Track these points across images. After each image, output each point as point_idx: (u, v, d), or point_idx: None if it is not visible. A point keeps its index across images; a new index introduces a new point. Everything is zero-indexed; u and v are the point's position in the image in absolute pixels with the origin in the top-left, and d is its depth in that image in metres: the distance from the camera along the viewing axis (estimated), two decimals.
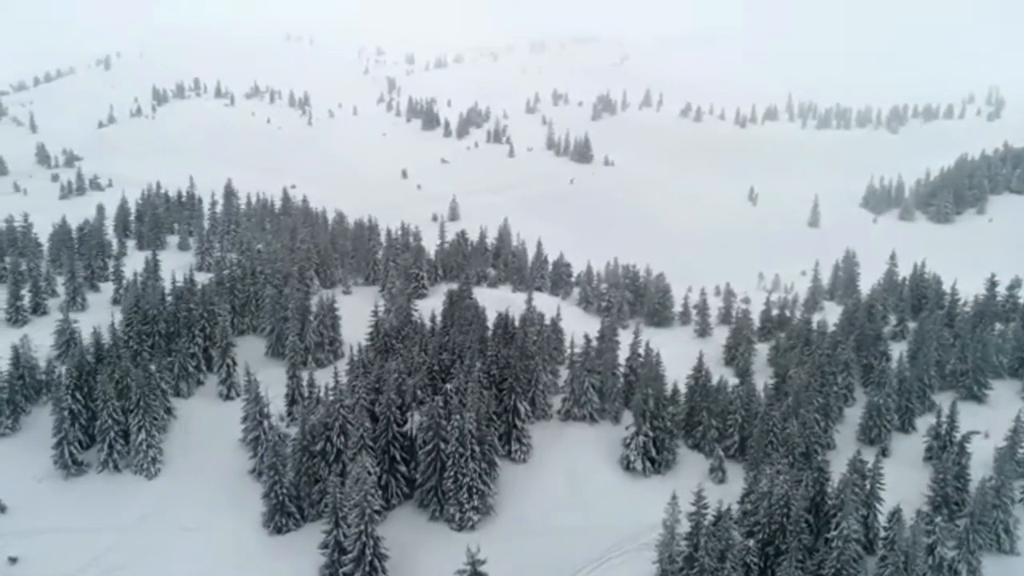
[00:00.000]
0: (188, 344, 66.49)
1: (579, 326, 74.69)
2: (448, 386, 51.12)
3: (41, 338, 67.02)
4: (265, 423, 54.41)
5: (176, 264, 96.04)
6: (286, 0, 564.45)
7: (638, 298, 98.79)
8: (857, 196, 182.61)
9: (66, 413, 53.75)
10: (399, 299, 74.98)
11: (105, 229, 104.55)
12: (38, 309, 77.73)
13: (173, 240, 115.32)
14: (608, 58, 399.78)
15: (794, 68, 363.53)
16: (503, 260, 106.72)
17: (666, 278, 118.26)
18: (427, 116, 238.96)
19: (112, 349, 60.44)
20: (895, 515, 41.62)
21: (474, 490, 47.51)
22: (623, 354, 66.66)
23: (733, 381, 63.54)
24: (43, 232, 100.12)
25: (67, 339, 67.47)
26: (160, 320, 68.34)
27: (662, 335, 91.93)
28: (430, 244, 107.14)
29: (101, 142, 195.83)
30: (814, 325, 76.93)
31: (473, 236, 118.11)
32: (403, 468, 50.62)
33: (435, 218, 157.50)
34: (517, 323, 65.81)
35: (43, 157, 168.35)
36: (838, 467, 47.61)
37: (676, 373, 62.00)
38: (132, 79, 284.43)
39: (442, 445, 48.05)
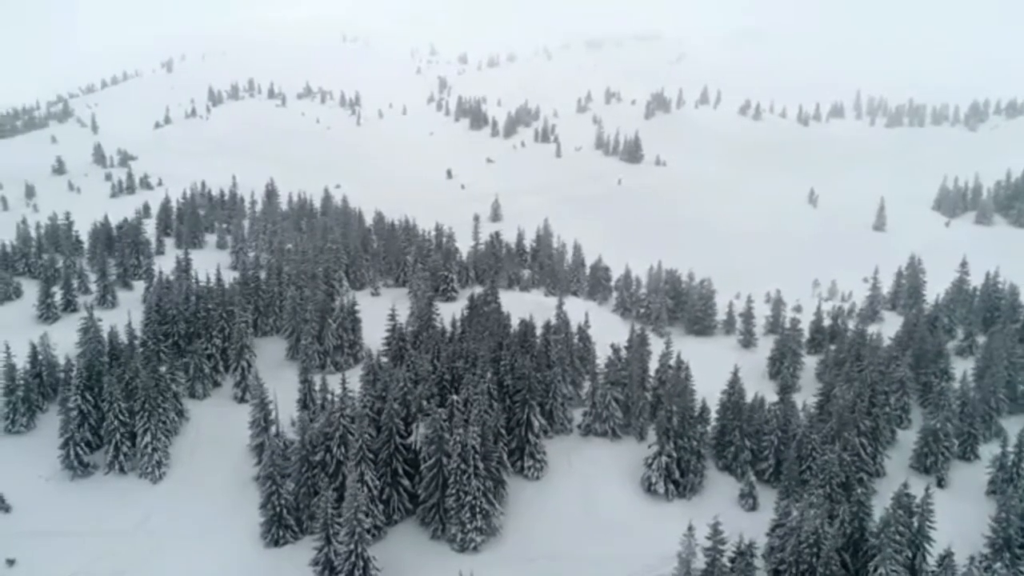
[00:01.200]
0: (206, 345, 66.24)
1: (614, 334, 71.09)
2: (455, 397, 48.63)
3: (70, 336, 68.03)
4: (271, 429, 53.19)
5: (212, 263, 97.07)
6: (345, 2, 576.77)
7: (679, 305, 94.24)
8: (928, 198, 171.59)
9: (74, 413, 53.83)
10: (421, 302, 73.15)
11: (144, 228, 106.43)
12: (68, 306, 79.12)
13: (212, 239, 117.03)
14: (666, 56, 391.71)
15: (863, 63, 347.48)
16: (539, 263, 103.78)
17: (712, 284, 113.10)
18: (475, 115, 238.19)
19: (126, 349, 60.50)
20: (947, 559, 37.09)
21: (477, 510, 44.87)
22: (654, 365, 63.04)
23: (774, 398, 59.06)
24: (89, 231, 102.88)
25: (90, 337, 68.16)
26: (180, 320, 68.48)
27: (703, 345, 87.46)
28: (468, 246, 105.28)
29: (156, 142, 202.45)
30: (869, 337, 71.38)
31: (513, 237, 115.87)
32: (406, 482, 48.46)
33: (476, 219, 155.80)
34: (539, 330, 62.94)
35: (99, 157, 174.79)
36: (886, 498, 43.02)
37: (714, 386, 57.95)
38: (192, 81, 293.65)
39: (444, 460, 45.66)
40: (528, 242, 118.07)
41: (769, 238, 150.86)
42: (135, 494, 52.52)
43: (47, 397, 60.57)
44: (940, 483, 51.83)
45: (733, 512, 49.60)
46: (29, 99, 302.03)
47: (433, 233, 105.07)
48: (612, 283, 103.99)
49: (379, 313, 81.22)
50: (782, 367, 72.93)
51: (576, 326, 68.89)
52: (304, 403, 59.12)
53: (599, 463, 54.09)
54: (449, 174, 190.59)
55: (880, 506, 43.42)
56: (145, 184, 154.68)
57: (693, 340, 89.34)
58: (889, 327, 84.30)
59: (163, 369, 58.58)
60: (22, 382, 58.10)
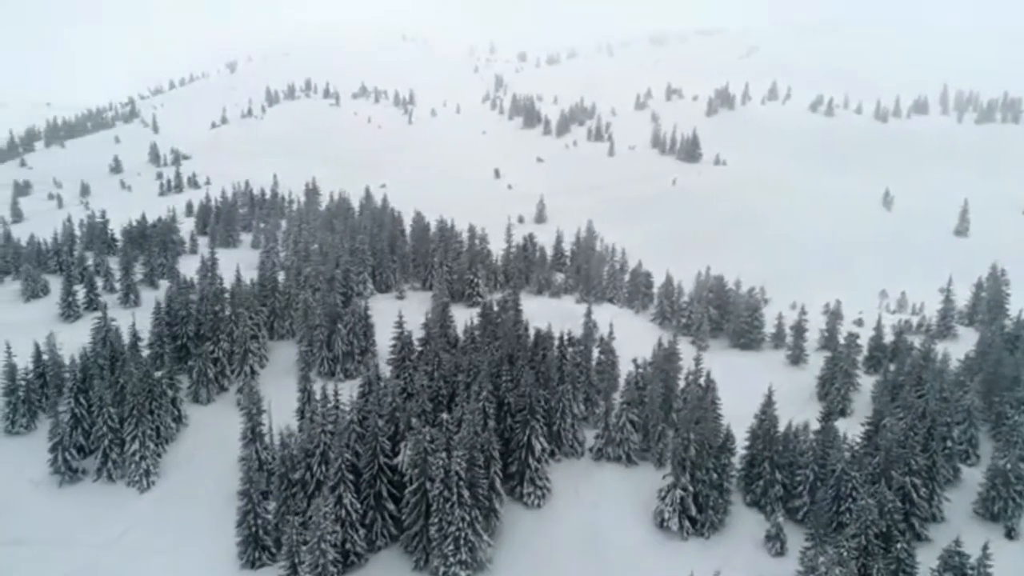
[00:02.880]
0: (212, 348, 64.94)
1: (649, 347, 65.52)
2: (445, 415, 45.00)
3: (86, 336, 68.08)
4: (259, 441, 50.92)
5: (244, 263, 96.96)
6: (409, 3, 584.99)
7: (724, 315, 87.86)
8: (1021, 201, 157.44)
9: (66, 417, 53.08)
10: (436, 307, 69.99)
11: (178, 226, 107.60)
12: (91, 305, 79.74)
13: (248, 239, 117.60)
14: (734, 50, 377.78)
15: (951, 54, 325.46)
16: (576, 266, 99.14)
17: (766, 292, 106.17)
18: (528, 114, 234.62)
19: (127, 351, 59.61)
20: None
21: (462, 541, 41.06)
22: (682, 384, 57.87)
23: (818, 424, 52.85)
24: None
25: (103, 337, 68.02)
26: (189, 322, 67.51)
27: (747, 360, 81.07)
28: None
29: (210, 142, 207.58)
30: (935, 357, 63.87)
31: (554, 239, 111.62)
32: (391, 506, 45.16)
33: (521, 219, 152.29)
34: (560, 341, 58.65)
35: (154, 156, 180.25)
36: (942, 548, 36.91)
37: (751, 408, 52.19)
38: (253, 82, 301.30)
39: (428, 485, 42.07)
40: (568, 244, 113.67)
41: (835, 243, 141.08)
42: (120, 504, 51.20)
43: (51, 398, 60.32)
44: (1009, 534, 44.88)
45: (757, 556, 44.25)
46: (104, 101, 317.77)
47: (466, 234, 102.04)
48: (654, 290, 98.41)
49: (409, 315, 78.80)
50: (832, 388, 66.19)
51: (598, 336, 64.28)
52: (302, 413, 56.80)
53: (609, 492, 49.47)
54: (497, 174, 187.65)
55: (931, 559, 37.41)
56: (193, 183, 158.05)
57: (737, 355, 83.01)
58: (963, 345, 75.94)
59: (158, 374, 57.19)
60: (23, 382, 57.91)
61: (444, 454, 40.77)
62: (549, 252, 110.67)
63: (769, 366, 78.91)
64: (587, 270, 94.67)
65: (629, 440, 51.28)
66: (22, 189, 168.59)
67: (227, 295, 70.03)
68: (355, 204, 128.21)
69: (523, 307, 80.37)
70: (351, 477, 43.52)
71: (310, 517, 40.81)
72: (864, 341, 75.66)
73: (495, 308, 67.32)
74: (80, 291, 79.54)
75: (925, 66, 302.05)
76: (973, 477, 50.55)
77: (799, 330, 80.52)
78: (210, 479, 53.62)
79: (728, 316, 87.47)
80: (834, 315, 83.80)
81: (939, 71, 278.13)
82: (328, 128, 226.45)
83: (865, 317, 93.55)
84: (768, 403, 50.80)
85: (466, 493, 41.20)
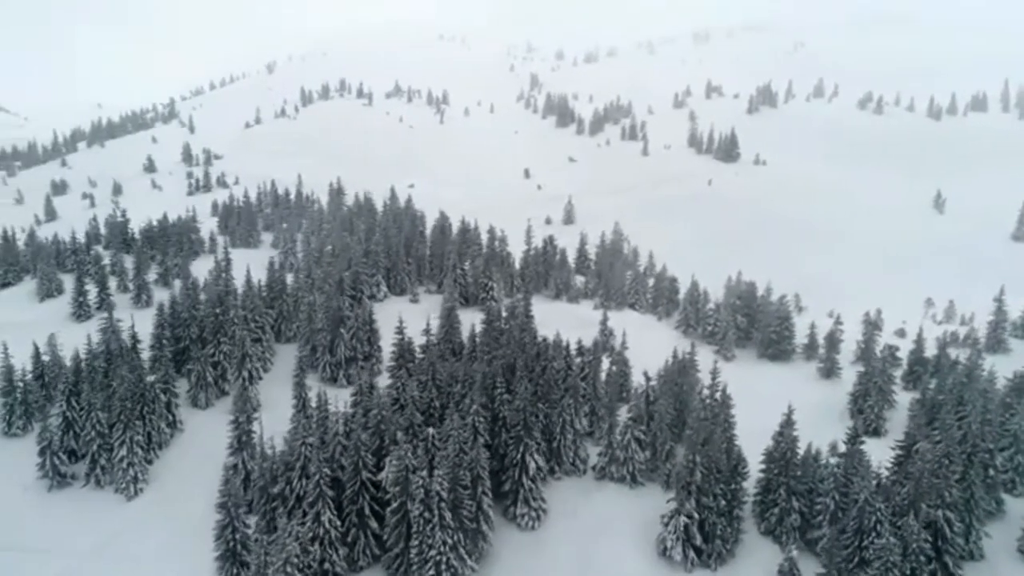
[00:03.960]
0: (214, 351, 63.90)
1: (670, 355, 62.00)
2: (431, 430, 42.62)
3: (94, 337, 67.87)
4: (246, 451, 49.36)
5: (262, 264, 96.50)
6: (449, 3, 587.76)
7: (752, 323, 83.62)
8: None
9: (57, 421, 52.40)
10: (443, 312, 67.73)
11: (198, 226, 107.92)
12: (102, 305, 79.73)
13: (269, 239, 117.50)
14: (780, 46, 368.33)
15: (1014, 49, 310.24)
16: (598, 271, 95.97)
17: (801, 300, 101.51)
18: (561, 112, 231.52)
19: (126, 353, 58.85)
20: None
21: (443, 566, 38.63)
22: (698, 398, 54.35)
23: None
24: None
25: (108, 338, 67.72)
26: (192, 323, 66.63)
27: (777, 372, 77.05)
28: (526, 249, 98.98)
29: (243, 142, 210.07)
30: (983, 373, 58.90)
31: (579, 241, 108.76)
32: (374, 524, 42.94)
33: (548, 221, 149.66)
34: (566, 350, 55.81)
35: (187, 156, 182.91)
36: None
37: (776, 423, 48.34)
38: (290, 82, 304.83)
39: (409, 505, 39.75)
40: (592, 247, 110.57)
41: (880, 249, 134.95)
42: (107, 511, 50.09)
43: (50, 400, 59.94)
44: None
45: None
46: (147, 102, 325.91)
47: (485, 235, 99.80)
48: (680, 296, 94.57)
49: (412, 322, 76.92)
50: (864, 406, 61.75)
51: (610, 345, 61.19)
52: (297, 421, 55.09)
53: (610, 515, 46.36)
54: (527, 174, 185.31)
55: None
56: (222, 182, 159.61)
57: (766, 366, 78.90)
58: (1015, 361, 70.64)
59: (151, 378, 56.22)
60: (20, 384, 57.59)
61: (425, 473, 38.35)
62: (572, 255, 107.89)
63: (799, 379, 74.68)
64: (609, 274, 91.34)
65: (634, 459, 48.10)
66: (59, 188, 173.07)
67: (231, 297, 69.10)
68: (377, 204, 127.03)
69: (538, 312, 78.18)
70: (331, 493, 41.46)
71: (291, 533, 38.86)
72: (904, 354, 70.94)
73: (503, 313, 64.88)
74: (92, 291, 79.59)
75: (984, 63, 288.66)
76: (1018, 510, 46.01)
77: (832, 341, 75.99)
78: (199, 487, 52.17)
79: (757, 325, 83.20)
80: (871, 325, 78.71)
81: (1001, 66, 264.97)
82: (360, 128, 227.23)
83: (909, 327, 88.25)
84: (787, 422, 46.90)
85: (448, 515, 38.73)
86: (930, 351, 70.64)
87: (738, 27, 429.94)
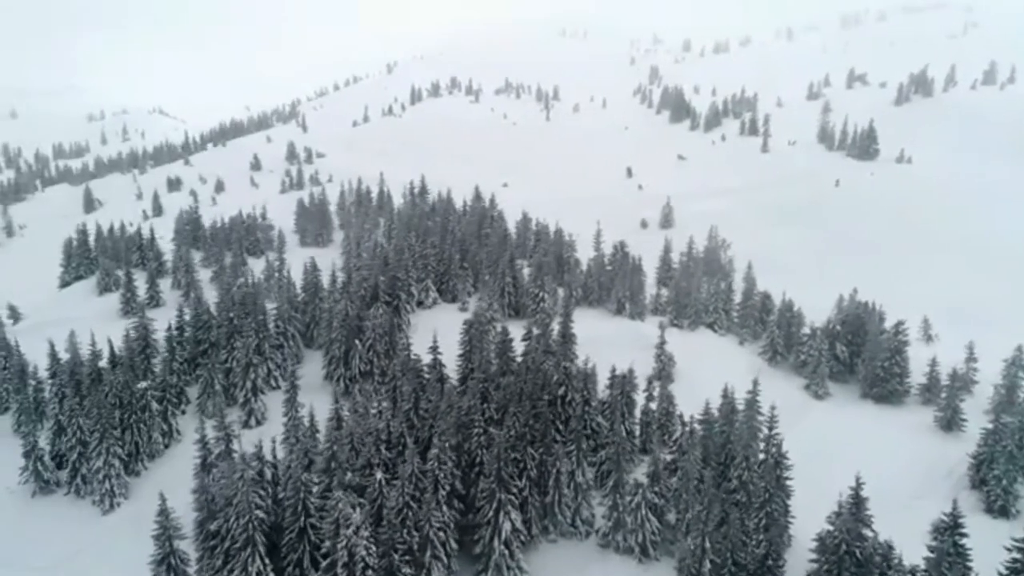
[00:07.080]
0: (225, 357, 61.75)
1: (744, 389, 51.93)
2: (379, 475, 36.59)
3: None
4: (209, 474, 45.68)
5: (326, 264, 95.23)
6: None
7: (856, 354, 70.62)
8: None
9: (49, 424, 51.65)
10: (471, 326, 61.48)
11: (270, 224, 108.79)
12: (152, 301, 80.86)
13: (340, 238, 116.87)
14: (944, 27, 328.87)
15: None
16: (676, 283, 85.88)
17: (931, 327, 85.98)
18: (675, 107, 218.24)
19: (127, 355, 57.75)
20: None
21: None
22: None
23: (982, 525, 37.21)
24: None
25: (139, 335, 67.56)
26: (212, 328, 65.02)
27: (881, 417, 64.27)
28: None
29: (348, 140, 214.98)
30: None
31: (670, 248, 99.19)
32: None
33: (644, 224, 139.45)
34: (584, 382, 48.02)
35: (291, 154, 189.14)
36: None
37: (869, 488, 37.73)
38: (406, 81, 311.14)
39: (338, 569, 33.92)
40: (676, 255, 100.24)
41: None
42: (80, 524, 48.68)
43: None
44: None
45: None
46: (273, 104, 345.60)
47: (553, 238, 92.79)
48: (773, 316, 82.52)
49: (451, 334, 71.23)
50: (989, 475, 48.77)
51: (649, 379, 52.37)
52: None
53: None
54: (629, 173, 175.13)
55: None
56: (315, 180, 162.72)
57: (867, 409, 66.08)
58: None
59: (142, 384, 54.39)
60: (33, 382, 57.95)
61: (347, 530, 32.37)
62: (654, 264, 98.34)
63: (909, 428, 61.65)
64: (683, 287, 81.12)
65: (644, 528, 39.48)
66: (174, 185, 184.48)
67: (260, 299, 66.97)
68: (452, 203, 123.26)
69: (592, 330, 70.21)
70: (263, 539, 36.51)
71: None
72: None
73: (534, 331, 57.73)
74: (142, 287, 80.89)
75: None
76: None
77: (959, 382, 62.16)
78: (182, 506, 49.44)
79: (862, 356, 70.11)
80: (1014, 366, 63.59)
81: None
82: (465, 126, 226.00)
83: None
84: (856, 500, 36.03)
85: None
86: None
87: (895, 8, 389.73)
